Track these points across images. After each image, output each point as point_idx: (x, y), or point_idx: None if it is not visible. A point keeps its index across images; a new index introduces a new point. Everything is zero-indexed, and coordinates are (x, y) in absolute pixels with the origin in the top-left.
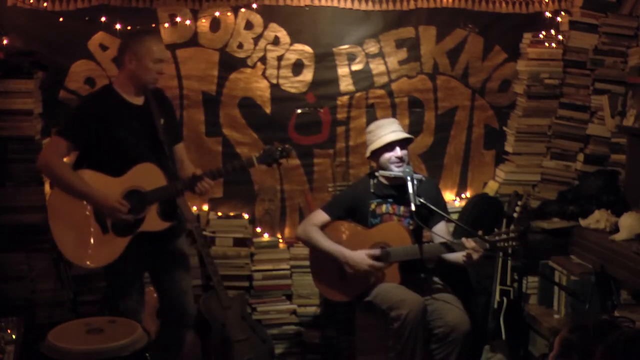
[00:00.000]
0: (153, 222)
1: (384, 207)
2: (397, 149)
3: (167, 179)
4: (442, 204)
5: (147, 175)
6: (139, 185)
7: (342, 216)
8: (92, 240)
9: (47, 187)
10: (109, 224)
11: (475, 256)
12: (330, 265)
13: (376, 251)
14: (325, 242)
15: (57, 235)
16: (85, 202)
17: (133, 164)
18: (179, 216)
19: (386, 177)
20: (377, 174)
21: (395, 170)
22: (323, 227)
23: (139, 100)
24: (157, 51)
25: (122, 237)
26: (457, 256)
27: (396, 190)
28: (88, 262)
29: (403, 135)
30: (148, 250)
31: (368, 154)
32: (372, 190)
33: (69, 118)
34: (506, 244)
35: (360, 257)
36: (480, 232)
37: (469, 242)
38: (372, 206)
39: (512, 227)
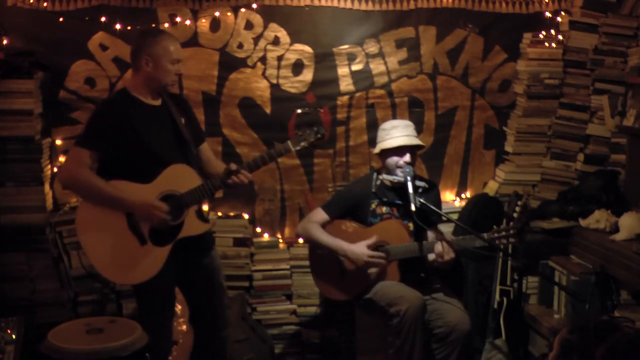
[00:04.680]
0: (193, 225)
1: (384, 208)
2: (408, 155)
3: (201, 178)
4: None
5: (180, 177)
6: (173, 189)
7: (341, 216)
8: (130, 254)
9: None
10: (146, 234)
11: (445, 258)
12: (331, 264)
13: (374, 239)
14: (325, 237)
15: (92, 254)
16: (117, 213)
17: (162, 166)
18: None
19: (389, 180)
20: (380, 177)
21: (399, 176)
22: (322, 226)
23: (156, 102)
24: (174, 51)
25: (161, 246)
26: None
27: (398, 193)
28: (129, 279)
29: (416, 141)
30: (178, 263)
31: (378, 150)
32: (373, 190)
33: (86, 127)
34: (505, 241)
35: (360, 249)
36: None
37: (438, 247)
38: (373, 206)
39: (511, 224)
